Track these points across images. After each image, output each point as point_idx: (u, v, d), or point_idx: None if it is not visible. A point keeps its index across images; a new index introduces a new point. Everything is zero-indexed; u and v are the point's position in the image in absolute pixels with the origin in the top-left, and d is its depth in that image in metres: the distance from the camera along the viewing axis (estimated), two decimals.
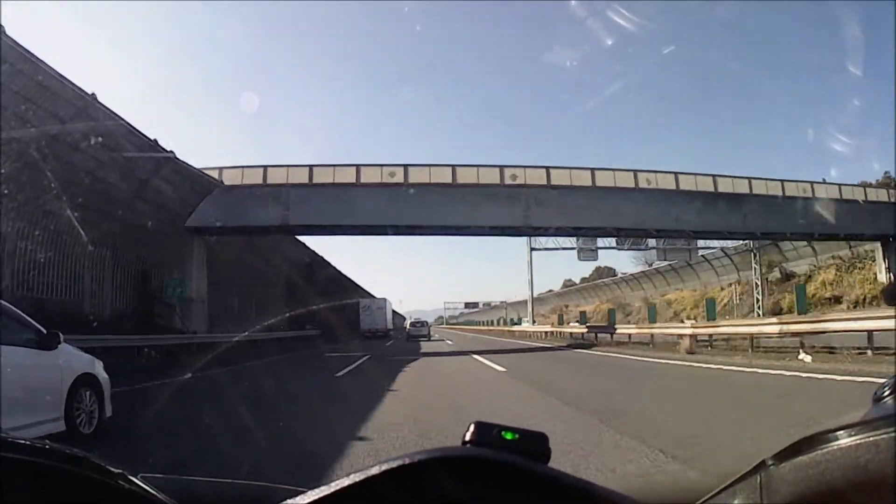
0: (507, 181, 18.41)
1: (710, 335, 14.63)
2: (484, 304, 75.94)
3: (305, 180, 17.90)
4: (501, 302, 70.54)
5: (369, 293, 42.91)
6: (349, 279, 39.18)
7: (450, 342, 26.01)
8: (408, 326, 34.24)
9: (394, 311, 49.51)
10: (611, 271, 51.24)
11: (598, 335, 20.96)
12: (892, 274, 21.36)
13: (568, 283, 61.58)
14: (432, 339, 30.52)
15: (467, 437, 0.54)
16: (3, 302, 4.35)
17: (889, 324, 8.79)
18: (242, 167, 18.16)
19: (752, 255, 27.15)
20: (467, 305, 79.52)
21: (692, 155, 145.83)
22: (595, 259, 30.16)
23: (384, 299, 36.05)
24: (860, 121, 58.70)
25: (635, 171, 19.33)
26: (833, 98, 55.46)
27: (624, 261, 71.19)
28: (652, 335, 16.85)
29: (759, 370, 8.88)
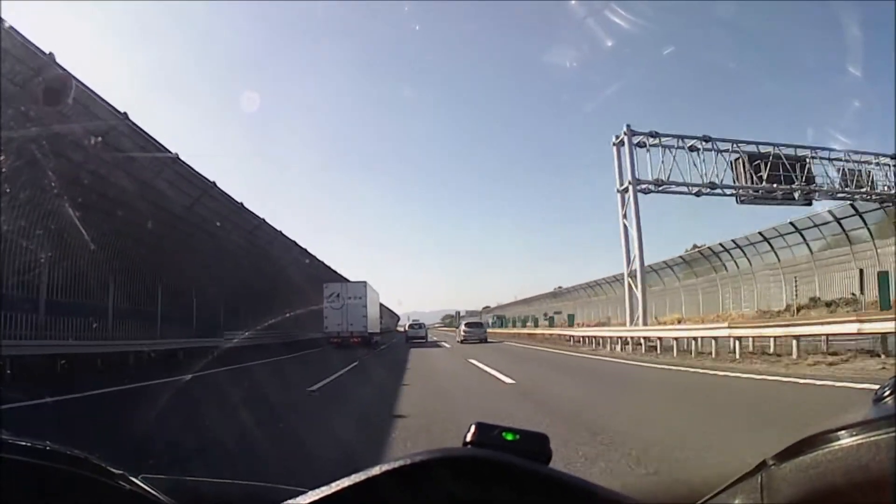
0: None
1: None
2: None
3: None
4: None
5: (343, 278, 26.61)
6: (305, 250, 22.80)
7: None
8: (406, 328, 34.59)
9: (383, 306, 35.85)
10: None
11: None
12: None
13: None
14: None
15: (468, 438, 0.53)
16: None
17: None
18: None
19: None
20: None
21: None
22: None
23: (363, 283, 23.41)
24: (860, 121, 58.90)
25: None
26: (833, 98, 55.57)
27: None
28: None
29: None
